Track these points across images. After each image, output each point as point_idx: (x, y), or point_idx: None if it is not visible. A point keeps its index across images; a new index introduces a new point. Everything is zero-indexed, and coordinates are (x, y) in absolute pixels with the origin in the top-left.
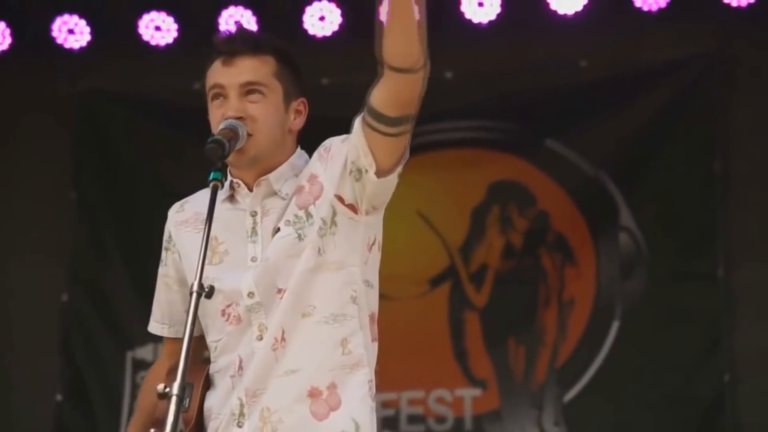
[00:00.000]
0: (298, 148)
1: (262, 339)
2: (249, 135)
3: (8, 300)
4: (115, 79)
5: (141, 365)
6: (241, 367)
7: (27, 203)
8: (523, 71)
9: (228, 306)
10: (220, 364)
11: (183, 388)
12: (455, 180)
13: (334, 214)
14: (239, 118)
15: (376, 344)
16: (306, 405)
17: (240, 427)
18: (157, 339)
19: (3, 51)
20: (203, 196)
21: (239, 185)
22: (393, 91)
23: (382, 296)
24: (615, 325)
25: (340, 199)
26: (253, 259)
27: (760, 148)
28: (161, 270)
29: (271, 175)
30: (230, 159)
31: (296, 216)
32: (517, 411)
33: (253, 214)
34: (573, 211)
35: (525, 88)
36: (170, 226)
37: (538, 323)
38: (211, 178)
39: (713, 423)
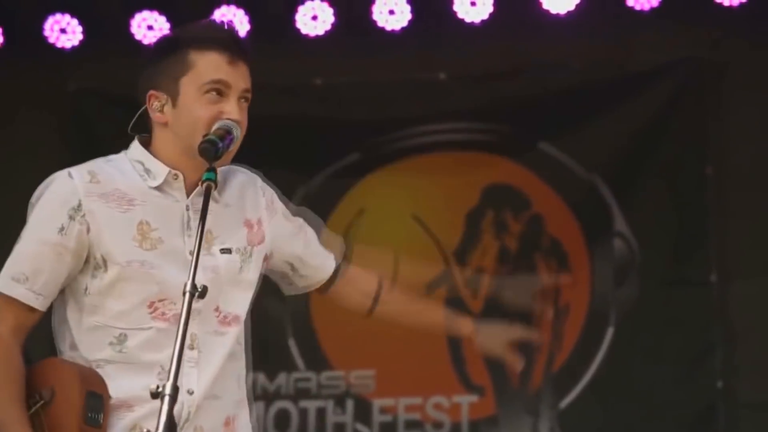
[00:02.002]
0: None
1: (193, 349)
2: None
3: None
4: (107, 79)
5: None
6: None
7: (18, 203)
8: (516, 73)
9: (160, 301)
10: (137, 356)
11: (176, 387)
12: (449, 183)
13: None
14: (236, 122)
15: None
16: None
17: None
18: None
19: None
20: (111, 171)
21: (177, 177)
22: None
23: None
24: (610, 332)
25: (266, 258)
26: (191, 253)
27: (753, 151)
28: (57, 238)
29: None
30: (218, 160)
31: (245, 248)
32: (513, 417)
33: (187, 208)
34: (567, 215)
35: (518, 90)
36: (81, 195)
37: (534, 330)
38: (204, 178)
39: (707, 427)
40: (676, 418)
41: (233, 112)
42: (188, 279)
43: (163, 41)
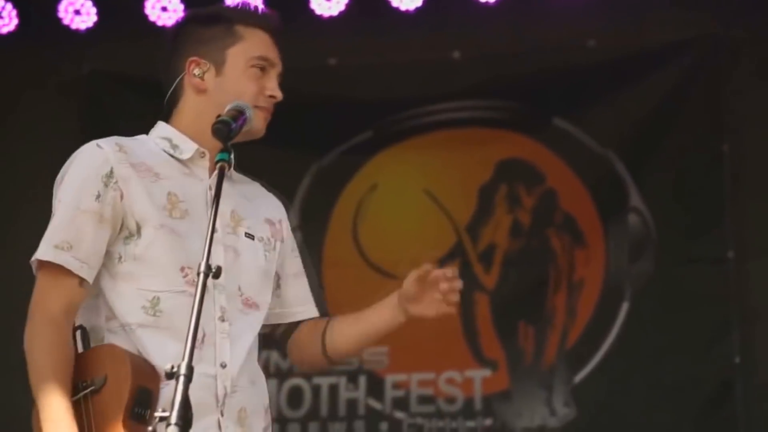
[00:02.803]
0: None
1: (224, 321)
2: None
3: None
4: (122, 60)
5: None
6: (204, 342)
7: (33, 185)
8: (531, 51)
9: (189, 268)
10: (170, 321)
11: (191, 368)
12: (462, 159)
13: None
14: (276, 102)
15: None
16: (266, 421)
17: (222, 416)
18: None
19: (9, 32)
20: (137, 146)
21: (204, 155)
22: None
23: (390, 276)
24: (624, 307)
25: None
26: (214, 230)
27: None
28: (95, 205)
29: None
30: (260, 134)
31: (268, 239)
32: (526, 392)
33: (210, 188)
34: (581, 191)
35: (533, 68)
36: (113, 162)
37: (548, 305)
38: (218, 159)
39: (723, 405)
40: (692, 394)
41: (275, 90)
42: (203, 259)
43: (207, 12)
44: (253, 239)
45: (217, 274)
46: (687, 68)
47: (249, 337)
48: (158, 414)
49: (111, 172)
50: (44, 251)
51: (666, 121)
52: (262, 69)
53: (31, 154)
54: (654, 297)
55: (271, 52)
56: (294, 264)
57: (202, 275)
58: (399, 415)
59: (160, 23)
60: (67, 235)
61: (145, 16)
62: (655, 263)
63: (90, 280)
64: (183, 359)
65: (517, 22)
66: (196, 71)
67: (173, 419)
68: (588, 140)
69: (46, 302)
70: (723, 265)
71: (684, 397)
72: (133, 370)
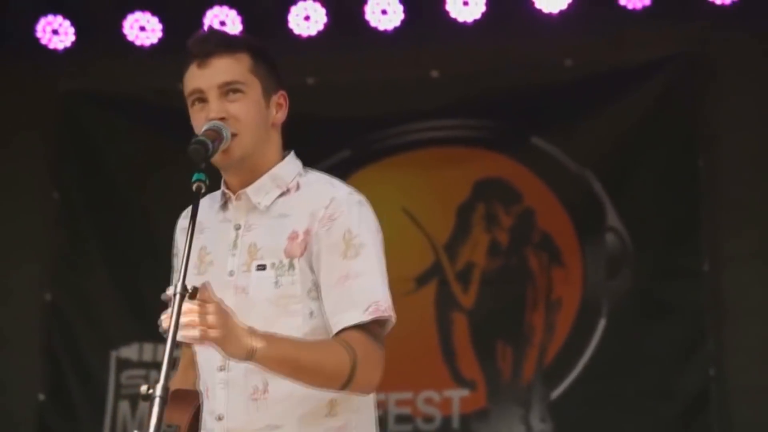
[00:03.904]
0: (290, 155)
1: (222, 371)
2: (234, 135)
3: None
4: (100, 80)
5: (125, 365)
6: (207, 396)
7: (10, 203)
8: (509, 70)
9: None
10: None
11: (166, 389)
12: (441, 177)
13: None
14: (222, 119)
15: (373, 394)
16: None
17: None
18: (142, 338)
19: None
20: (205, 202)
21: (231, 197)
22: None
23: None
24: (602, 323)
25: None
26: (231, 273)
27: (742, 145)
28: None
29: (249, 189)
30: (218, 161)
31: (281, 261)
32: (504, 410)
33: (237, 228)
34: (559, 210)
35: (510, 87)
36: (176, 233)
37: (526, 324)
38: (194, 179)
39: (699, 418)
40: (669, 407)
41: (211, 111)
42: (178, 281)
43: None
44: (265, 269)
45: (192, 295)
46: (662, 87)
47: (255, 379)
48: None
49: (175, 242)
50: None
51: (642, 139)
52: (201, 100)
53: (7, 172)
54: (630, 312)
55: (197, 80)
56: (334, 269)
57: (177, 296)
58: None
59: (138, 43)
60: None
61: (123, 36)
62: (632, 279)
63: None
64: (159, 381)
65: (494, 42)
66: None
67: None
68: (565, 159)
69: None
70: (698, 277)
71: (660, 411)
72: (167, 411)
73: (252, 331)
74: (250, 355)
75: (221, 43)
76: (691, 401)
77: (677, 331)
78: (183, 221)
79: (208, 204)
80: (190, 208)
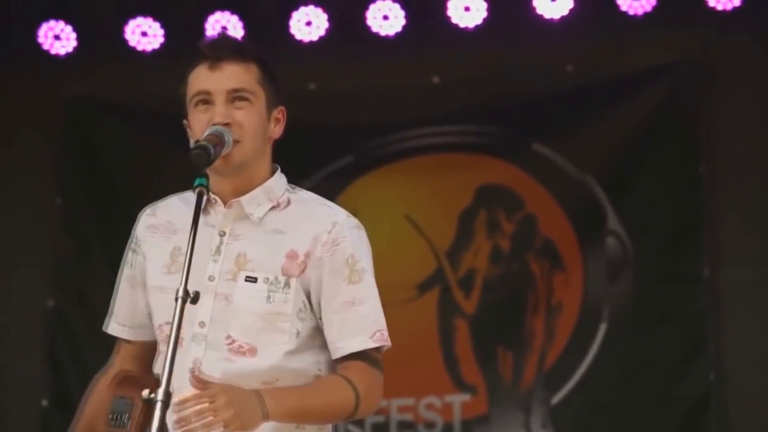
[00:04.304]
0: (278, 171)
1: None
2: (236, 141)
3: None
4: (101, 85)
5: None
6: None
7: (12, 208)
8: (510, 76)
9: (167, 323)
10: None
11: (168, 393)
12: (443, 184)
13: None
14: (226, 125)
15: None
16: None
17: None
18: None
19: None
20: (175, 203)
21: (216, 201)
22: None
23: None
24: (602, 328)
25: (308, 296)
26: (210, 278)
27: (744, 151)
28: (127, 271)
29: (243, 199)
30: (216, 165)
31: (275, 278)
32: (505, 415)
33: (222, 234)
34: (560, 216)
35: (512, 93)
36: (139, 229)
37: (527, 330)
38: (196, 184)
39: (699, 422)
40: (669, 412)
41: (217, 115)
42: (180, 285)
43: None
44: (256, 282)
45: (195, 300)
46: (663, 93)
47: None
48: None
49: (137, 238)
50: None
51: (644, 145)
52: (205, 102)
53: (10, 178)
54: (631, 317)
55: (207, 81)
56: (338, 293)
57: (180, 301)
58: None
59: (140, 48)
60: (113, 306)
61: (125, 41)
62: (633, 284)
63: (131, 338)
64: (161, 386)
65: (496, 48)
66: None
67: None
68: (567, 165)
69: None
70: (698, 282)
71: (660, 415)
72: (114, 384)
73: (258, 394)
74: (265, 419)
75: (234, 49)
76: (692, 406)
77: (678, 335)
78: (148, 218)
79: (178, 205)
80: (154, 205)
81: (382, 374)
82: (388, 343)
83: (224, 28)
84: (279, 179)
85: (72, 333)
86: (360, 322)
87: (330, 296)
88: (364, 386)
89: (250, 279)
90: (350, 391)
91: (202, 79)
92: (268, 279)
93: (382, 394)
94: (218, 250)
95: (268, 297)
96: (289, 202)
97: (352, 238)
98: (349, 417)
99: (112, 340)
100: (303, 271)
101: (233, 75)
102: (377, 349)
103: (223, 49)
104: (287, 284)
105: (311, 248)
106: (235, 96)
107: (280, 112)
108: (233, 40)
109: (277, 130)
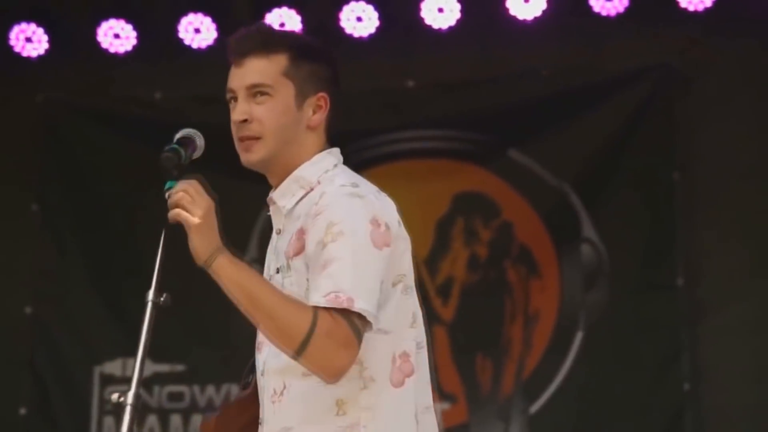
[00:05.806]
0: (320, 154)
1: (263, 375)
2: (257, 138)
3: None
4: (75, 88)
5: (109, 380)
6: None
7: None
8: (485, 80)
9: None
10: None
11: (138, 397)
12: (419, 191)
13: None
14: (244, 121)
15: (399, 390)
16: None
17: None
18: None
19: None
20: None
21: (272, 200)
22: None
23: None
24: (579, 336)
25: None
26: (270, 279)
27: (720, 158)
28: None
29: (275, 193)
30: (248, 164)
31: (283, 265)
32: (484, 423)
33: (278, 232)
34: (536, 223)
35: (487, 98)
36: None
37: (504, 337)
38: (166, 187)
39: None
40: (645, 421)
41: (236, 113)
42: (151, 288)
43: None
44: (279, 272)
45: (164, 301)
46: (639, 99)
47: (275, 381)
48: None
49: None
50: None
51: (619, 151)
52: (234, 99)
53: None
54: (607, 326)
55: (231, 79)
56: (317, 260)
57: (150, 304)
58: None
59: (112, 50)
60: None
61: (98, 43)
62: (609, 292)
63: None
64: (130, 389)
65: (471, 51)
66: None
67: None
68: (543, 172)
69: None
70: (673, 292)
71: (637, 423)
72: None
73: (221, 245)
74: (211, 258)
75: (259, 41)
76: (668, 416)
77: (653, 345)
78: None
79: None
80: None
81: (354, 338)
82: (348, 307)
83: (197, 30)
84: (314, 163)
85: (51, 341)
86: (320, 283)
87: (312, 266)
88: (326, 326)
89: (277, 271)
90: (308, 317)
91: (230, 77)
92: (280, 267)
93: (348, 360)
94: (275, 248)
95: (282, 285)
96: (318, 185)
97: (335, 204)
98: (298, 349)
99: (92, 350)
100: (301, 248)
101: (253, 70)
102: (357, 317)
103: (247, 43)
104: (288, 266)
105: (304, 224)
106: (255, 91)
107: (321, 99)
108: (263, 31)
109: (316, 118)
